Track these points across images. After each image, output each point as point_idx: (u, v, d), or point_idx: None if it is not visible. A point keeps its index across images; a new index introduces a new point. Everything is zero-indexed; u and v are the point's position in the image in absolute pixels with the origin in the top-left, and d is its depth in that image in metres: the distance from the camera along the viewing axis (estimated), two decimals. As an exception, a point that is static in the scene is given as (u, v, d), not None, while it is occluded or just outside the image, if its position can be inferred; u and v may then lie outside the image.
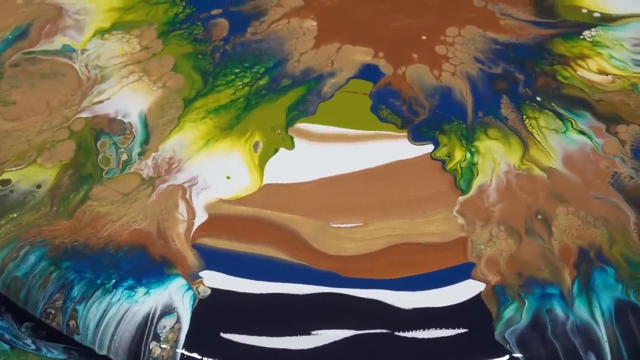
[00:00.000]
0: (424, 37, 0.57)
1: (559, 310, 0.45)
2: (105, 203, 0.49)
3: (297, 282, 0.46)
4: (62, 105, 0.54)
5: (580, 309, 0.45)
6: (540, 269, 0.47)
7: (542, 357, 0.44)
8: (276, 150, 0.52)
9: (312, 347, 0.44)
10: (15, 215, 0.49)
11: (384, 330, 0.45)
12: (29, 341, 0.48)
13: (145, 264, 0.47)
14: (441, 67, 0.56)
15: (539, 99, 0.54)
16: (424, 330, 0.45)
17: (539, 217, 0.49)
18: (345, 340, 0.44)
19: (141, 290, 0.46)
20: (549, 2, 0.60)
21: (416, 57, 0.56)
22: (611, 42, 0.57)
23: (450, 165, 0.51)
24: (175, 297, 0.45)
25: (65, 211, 0.49)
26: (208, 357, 0.44)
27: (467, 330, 0.45)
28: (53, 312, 0.46)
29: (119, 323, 0.45)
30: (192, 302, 0.45)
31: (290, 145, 0.52)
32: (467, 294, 0.46)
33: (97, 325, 0.45)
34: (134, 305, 0.45)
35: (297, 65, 0.56)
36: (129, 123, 0.53)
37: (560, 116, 0.53)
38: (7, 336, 0.49)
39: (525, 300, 0.45)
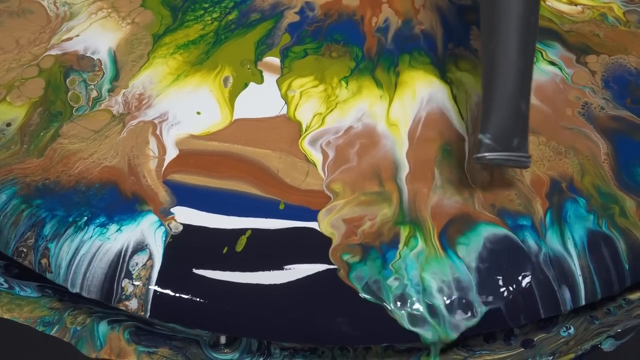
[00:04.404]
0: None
1: (531, 242, 0.44)
2: (76, 140, 0.48)
3: (269, 217, 0.45)
4: (31, 43, 0.53)
5: (553, 240, 0.44)
6: (512, 200, 0.45)
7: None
8: (246, 85, 0.51)
9: (285, 281, 0.43)
10: (-16, 154, 0.48)
11: (356, 264, 0.44)
12: (1, 280, 0.48)
13: (117, 201, 0.46)
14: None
15: (508, 29, 0.53)
16: (396, 263, 0.43)
17: (511, 148, 0.47)
18: (318, 274, 0.43)
19: (113, 227, 0.45)
20: None
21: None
22: (581, -28, 0.56)
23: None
24: (147, 233, 0.45)
25: (35, 149, 0.48)
26: (181, 293, 0.43)
27: (439, 262, 0.44)
28: (25, 250, 0.45)
29: (91, 261, 0.44)
30: (164, 239, 0.44)
31: (260, 80, 0.51)
32: (440, 226, 0.45)
33: (69, 264, 0.44)
34: (106, 242, 0.44)
35: (266, -1, 0.55)
36: (98, 60, 0.52)
37: (530, 47, 0.52)
38: (-21, 275, 0.48)
39: (498, 232, 0.44)
